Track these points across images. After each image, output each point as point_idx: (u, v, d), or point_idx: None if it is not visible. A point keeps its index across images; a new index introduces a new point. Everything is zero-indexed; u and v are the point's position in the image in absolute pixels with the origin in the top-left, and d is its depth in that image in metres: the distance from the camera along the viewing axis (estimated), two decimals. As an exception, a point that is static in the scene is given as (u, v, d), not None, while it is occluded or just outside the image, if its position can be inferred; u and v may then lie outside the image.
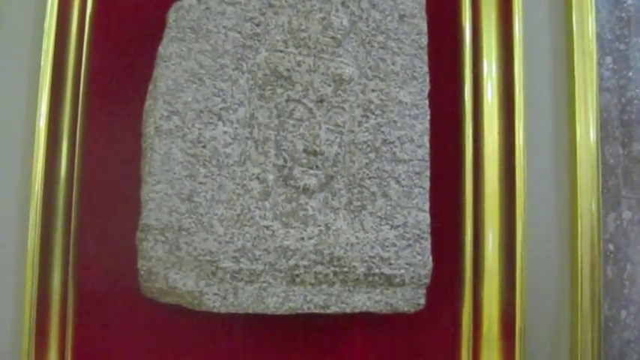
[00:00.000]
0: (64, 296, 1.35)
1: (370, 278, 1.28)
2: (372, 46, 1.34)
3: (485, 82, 1.55)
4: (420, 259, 1.32)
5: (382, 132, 1.32)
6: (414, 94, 1.36)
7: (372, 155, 1.31)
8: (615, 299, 1.63)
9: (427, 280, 1.33)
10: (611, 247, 1.64)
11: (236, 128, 1.24)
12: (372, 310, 1.29)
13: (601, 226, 1.57)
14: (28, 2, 1.40)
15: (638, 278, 1.64)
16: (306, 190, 1.27)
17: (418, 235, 1.32)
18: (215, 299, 1.19)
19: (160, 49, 1.22)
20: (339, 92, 1.30)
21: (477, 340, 1.51)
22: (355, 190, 1.30)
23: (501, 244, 1.51)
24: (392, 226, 1.31)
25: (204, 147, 1.21)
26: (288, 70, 1.27)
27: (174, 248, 1.17)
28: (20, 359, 1.30)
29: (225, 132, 1.23)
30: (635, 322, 1.63)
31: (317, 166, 1.27)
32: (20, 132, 1.37)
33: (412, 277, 1.31)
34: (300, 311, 1.24)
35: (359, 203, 1.30)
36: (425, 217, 1.34)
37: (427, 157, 1.35)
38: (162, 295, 1.20)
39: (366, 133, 1.31)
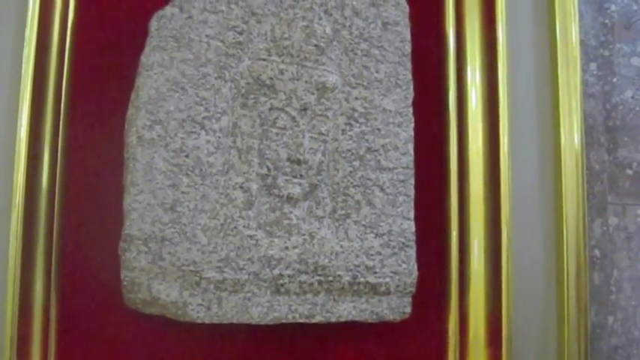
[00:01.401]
0: (47, 307, 1.33)
1: (355, 287, 1.28)
2: (356, 54, 1.34)
3: (469, 89, 1.56)
4: (405, 268, 1.32)
5: (366, 140, 1.32)
6: (397, 101, 1.36)
7: (356, 163, 1.31)
8: (602, 305, 1.63)
9: (413, 289, 1.33)
10: (597, 253, 1.64)
11: (219, 137, 1.23)
12: (357, 319, 1.29)
13: (586, 232, 1.57)
14: (8, 10, 1.39)
15: (624, 284, 1.64)
16: (290, 198, 1.26)
17: (403, 243, 1.32)
18: (199, 310, 1.19)
19: (142, 57, 1.22)
20: (323, 100, 1.29)
21: (464, 348, 1.50)
22: (339, 199, 1.29)
23: (487, 251, 1.51)
24: (377, 235, 1.30)
25: (187, 156, 1.20)
26: (271, 78, 1.26)
27: (157, 258, 1.17)
28: (2, 370, 1.29)
29: (208, 141, 1.22)
30: (623, 329, 1.63)
31: (301, 175, 1.26)
32: (1, 142, 1.35)
33: (397, 286, 1.31)
34: (284, 321, 1.24)
35: (343, 212, 1.29)
36: (410, 225, 1.33)
37: (411, 165, 1.35)
38: (145, 306, 1.19)
39: (350, 142, 1.31)
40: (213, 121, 1.23)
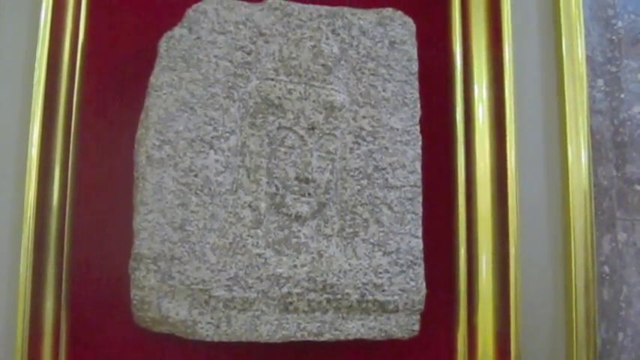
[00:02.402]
0: (57, 324, 1.34)
1: (364, 305, 1.28)
2: (363, 73, 1.34)
3: (476, 106, 1.55)
4: (413, 285, 1.31)
5: (374, 158, 1.32)
6: (405, 120, 1.36)
7: (364, 182, 1.31)
8: (612, 322, 1.62)
9: (421, 306, 1.33)
10: (606, 269, 1.64)
11: (228, 157, 1.24)
12: (365, 337, 1.29)
13: (594, 248, 1.56)
14: (20, 32, 1.41)
15: (634, 300, 1.63)
16: (298, 217, 1.26)
17: (411, 261, 1.32)
18: (208, 328, 1.19)
19: (152, 78, 1.24)
20: (331, 119, 1.30)
21: (473, 365, 1.50)
22: (347, 217, 1.30)
23: (495, 268, 1.50)
24: (385, 253, 1.30)
25: (195, 176, 1.21)
26: (279, 98, 1.27)
27: (166, 277, 1.18)
28: (12, 390, 1.30)
29: (217, 160, 1.23)
30: (633, 345, 1.62)
31: (309, 194, 1.27)
32: (12, 161, 1.37)
33: (406, 304, 1.31)
34: (293, 339, 1.24)
35: (351, 230, 1.30)
36: (418, 243, 1.33)
37: (419, 183, 1.35)
38: (155, 325, 1.20)
39: (358, 160, 1.31)
40: (222, 140, 1.24)
